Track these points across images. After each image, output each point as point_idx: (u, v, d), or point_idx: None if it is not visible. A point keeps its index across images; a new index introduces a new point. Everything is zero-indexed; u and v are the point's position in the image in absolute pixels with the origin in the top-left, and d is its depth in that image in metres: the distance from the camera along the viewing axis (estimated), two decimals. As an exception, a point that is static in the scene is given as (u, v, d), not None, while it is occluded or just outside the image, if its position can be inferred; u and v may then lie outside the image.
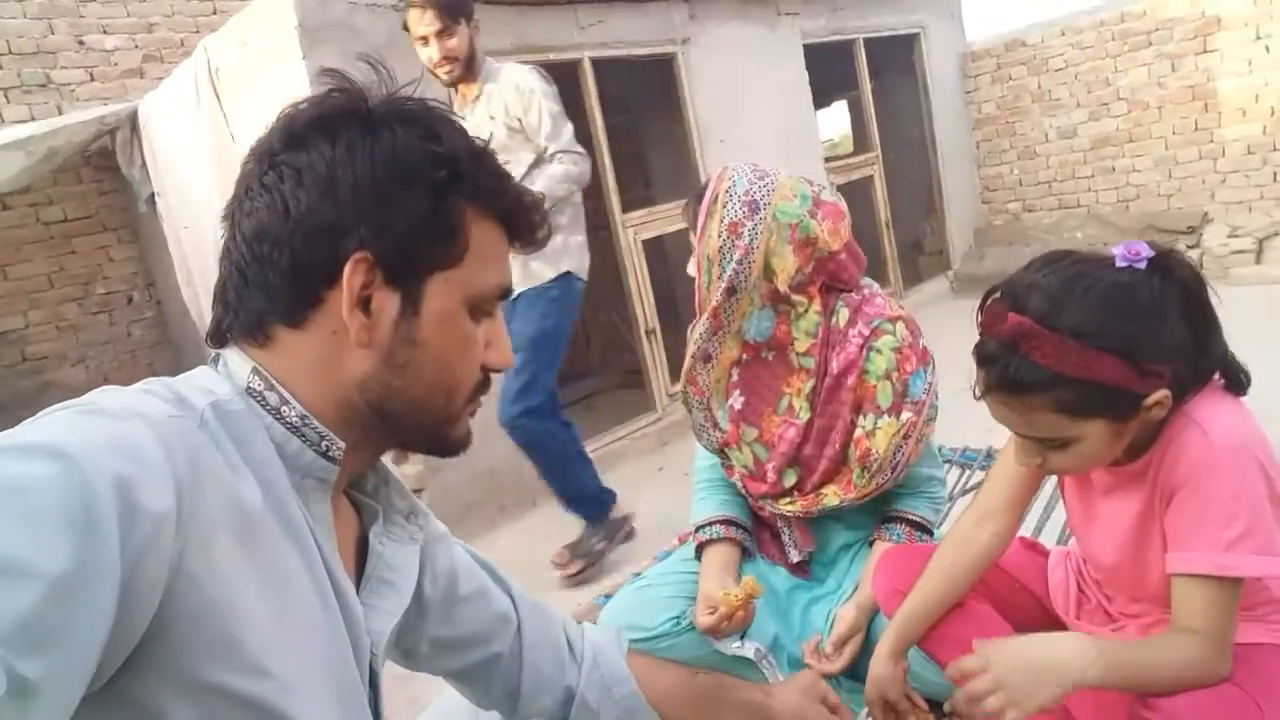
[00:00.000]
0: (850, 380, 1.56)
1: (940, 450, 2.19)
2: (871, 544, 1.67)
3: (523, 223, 0.83)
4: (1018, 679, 1.02)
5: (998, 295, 1.11)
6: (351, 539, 0.86)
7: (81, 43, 5.67)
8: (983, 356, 1.08)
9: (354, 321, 0.73)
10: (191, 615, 0.61)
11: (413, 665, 1.03)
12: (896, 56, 6.83)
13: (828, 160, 6.24)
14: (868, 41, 6.36)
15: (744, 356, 1.63)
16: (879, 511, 1.68)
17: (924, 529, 1.64)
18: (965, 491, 2.20)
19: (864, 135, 6.83)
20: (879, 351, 1.55)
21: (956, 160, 7.14)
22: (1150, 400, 1.03)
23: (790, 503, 1.65)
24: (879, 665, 1.35)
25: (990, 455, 2.27)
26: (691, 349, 1.65)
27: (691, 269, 1.64)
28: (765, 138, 5.42)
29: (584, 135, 4.68)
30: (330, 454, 0.75)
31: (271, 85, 3.70)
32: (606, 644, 1.17)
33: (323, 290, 0.74)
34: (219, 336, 0.78)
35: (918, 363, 1.57)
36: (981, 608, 1.36)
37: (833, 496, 1.61)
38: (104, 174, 5.57)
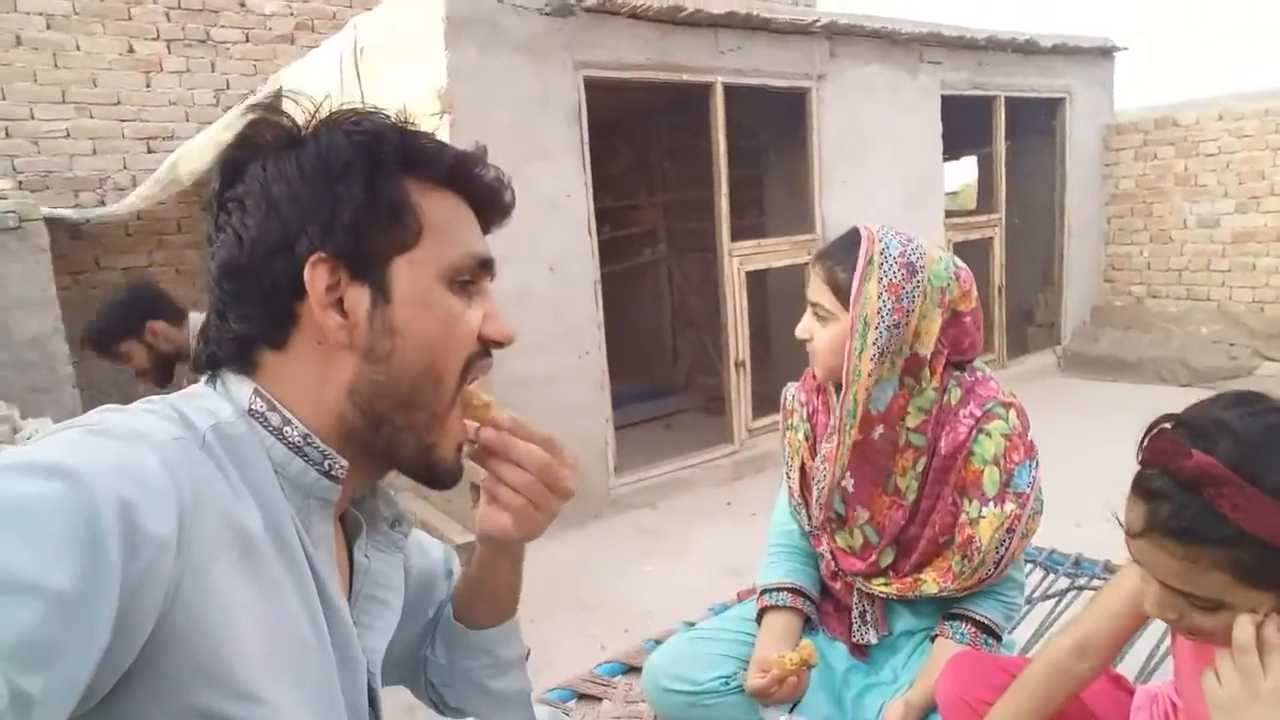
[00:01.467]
0: (957, 462, 1.50)
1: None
2: (933, 639, 1.59)
3: (477, 186, 0.80)
4: None
5: (1169, 426, 0.98)
6: (342, 554, 0.85)
7: (243, 4, 5.95)
8: (1149, 491, 0.95)
9: (330, 322, 0.73)
10: (185, 640, 0.61)
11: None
12: (1037, 119, 6.59)
13: (947, 216, 6.06)
14: (1009, 100, 6.16)
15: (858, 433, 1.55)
16: (944, 603, 1.60)
17: (990, 631, 1.55)
18: (1047, 597, 2.08)
19: (989, 195, 6.62)
20: (988, 435, 1.49)
21: (1084, 233, 6.85)
22: None
23: (885, 584, 1.59)
24: None
25: (1079, 564, 2.14)
26: (837, 420, 1.55)
27: (802, 331, 1.57)
28: (888, 185, 5.30)
29: (705, 159, 4.67)
30: (333, 473, 0.75)
31: (411, 72, 3.79)
32: None
33: (295, 305, 0.74)
34: (209, 363, 0.79)
35: (1025, 454, 1.50)
36: None
37: (932, 584, 1.54)
38: (243, 130, 5.82)
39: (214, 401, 0.74)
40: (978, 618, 1.55)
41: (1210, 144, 6.32)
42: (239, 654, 0.64)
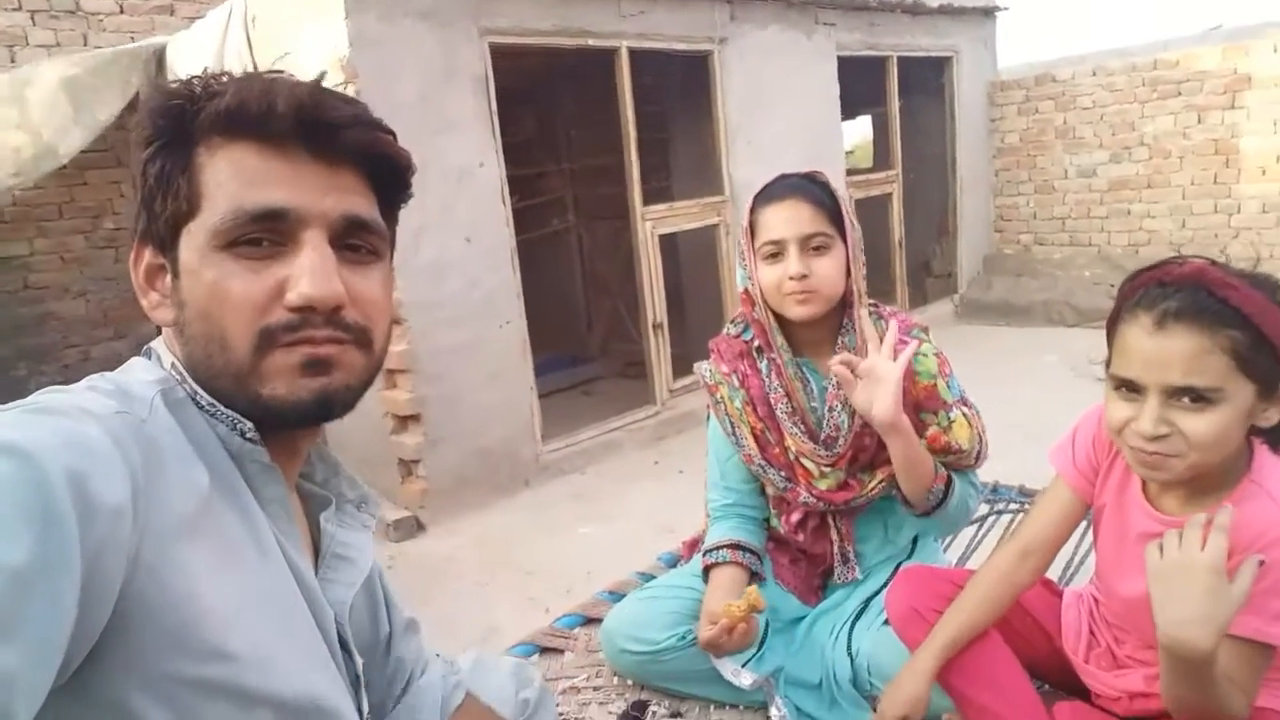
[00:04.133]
0: (905, 384, 1.59)
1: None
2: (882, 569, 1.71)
3: (256, 114, 0.72)
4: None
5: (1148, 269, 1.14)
6: (305, 525, 0.86)
7: (114, -29, 5.60)
8: (1156, 295, 1.08)
9: (144, 302, 0.78)
10: (151, 607, 0.61)
11: None
12: (926, 78, 6.83)
13: (847, 174, 6.24)
14: (900, 60, 6.37)
15: None
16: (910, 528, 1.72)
17: (947, 485, 1.60)
18: (970, 523, 2.22)
19: (886, 153, 6.84)
20: (925, 355, 1.61)
21: (974, 187, 7.17)
22: None
23: (875, 479, 1.65)
24: (912, 683, 1.35)
25: (996, 490, 2.30)
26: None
27: (800, 269, 1.54)
28: (790, 144, 5.41)
29: (611, 125, 4.69)
30: (247, 435, 0.74)
31: (309, 42, 3.67)
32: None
33: None
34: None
35: (949, 368, 1.65)
36: (998, 641, 1.38)
37: None
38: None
39: (153, 370, 0.75)
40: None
41: (1085, 98, 6.69)
42: (206, 614, 0.65)
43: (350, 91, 3.49)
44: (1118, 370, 1.13)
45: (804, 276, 1.54)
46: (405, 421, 3.79)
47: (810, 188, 1.59)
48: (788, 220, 1.56)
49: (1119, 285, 1.16)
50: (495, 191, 4.04)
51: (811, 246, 1.56)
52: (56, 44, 5.42)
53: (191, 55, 4.57)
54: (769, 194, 1.61)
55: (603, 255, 6.72)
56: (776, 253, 1.57)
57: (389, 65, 3.62)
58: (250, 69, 3.99)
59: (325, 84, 0.79)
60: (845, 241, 1.59)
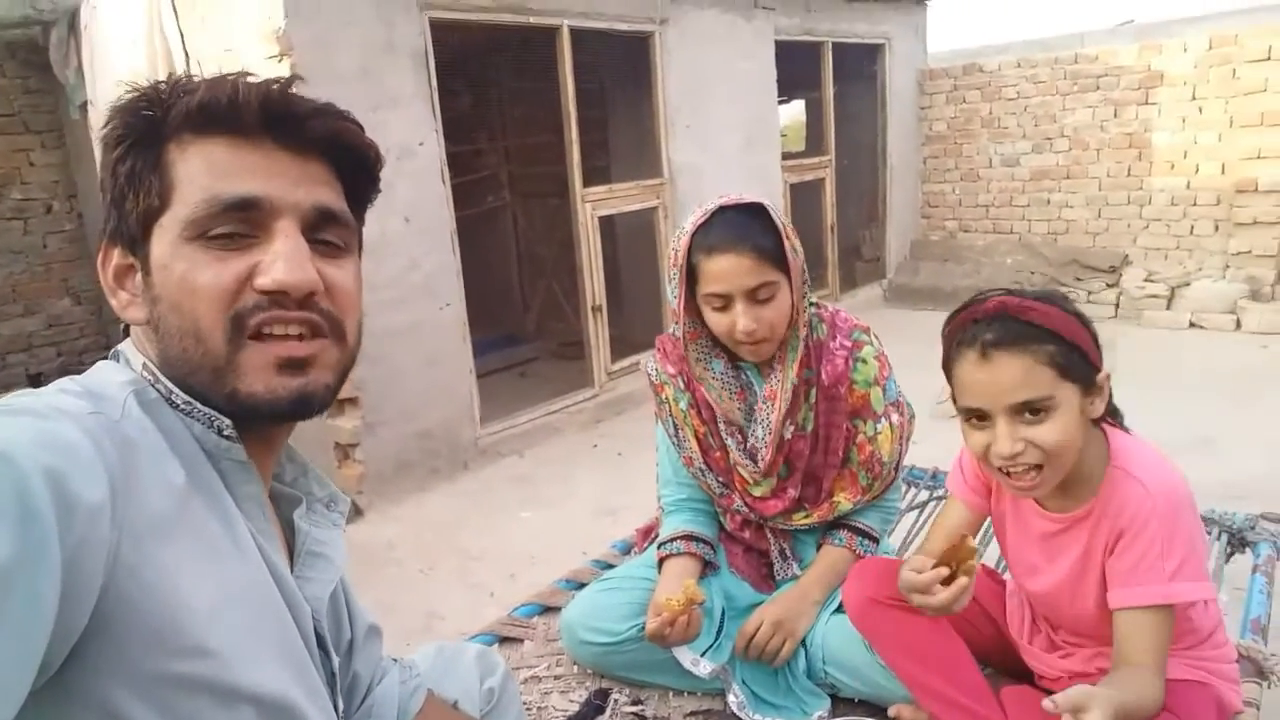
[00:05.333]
0: (843, 390, 1.64)
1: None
2: (819, 547, 1.74)
3: (226, 109, 0.74)
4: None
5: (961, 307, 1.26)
6: (279, 525, 0.87)
7: (19, -74, 5.26)
8: (972, 334, 1.21)
9: (114, 302, 0.78)
10: (132, 605, 0.62)
11: None
12: (859, 64, 6.95)
13: (782, 158, 6.31)
14: (835, 46, 6.45)
15: None
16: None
17: (868, 536, 1.71)
18: (911, 508, 2.30)
19: (819, 138, 6.94)
20: (864, 361, 1.65)
21: (903, 173, 7.33)
22: (1100, 376, 1.22)
23: (806, 515, 1.70)
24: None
25: (935, 477, 2.38)
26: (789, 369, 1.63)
27: (750, 322, 1.53)
28: (729, 129, 5.45)
29: (549, 103, 4.63)
30: (225, 433, 0.75)
31: (243, 11, 3.52)
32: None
33: None
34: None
35: (889, 369, 1.69)
36: (947, 627, 1.44)
37: (845, 502, 1.68)
38: (31, 70, 5.21)
39: (123, 372, 0.76)
40: (854, 524, 1.71)
41: (1011, 89, 6.90)
42: (186, 612, 0.65)
43: (286, 64, 3.38)
44: (964, 403, 1.25)
45: (751, 330, 1.53)
46: (342, 405, 3.72)
47: (751, 231, 1.52)
48: (732, 275, 1.51)
49: (941, 328, 1.28)
50: (435, 171, 3.97)
51: (758, 299, 1.52)
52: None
53: (110, 16, 4.34)
54: (710, 241, 1.53)
55: (538, 233, 6.66)
56: (723, 306, 1.55)
57: (327, 38, 3.51)
58: (177, 35, 3.83)
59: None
60: (789, 274, 1.55)
